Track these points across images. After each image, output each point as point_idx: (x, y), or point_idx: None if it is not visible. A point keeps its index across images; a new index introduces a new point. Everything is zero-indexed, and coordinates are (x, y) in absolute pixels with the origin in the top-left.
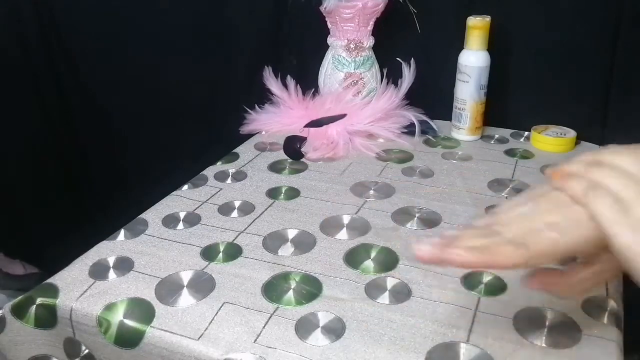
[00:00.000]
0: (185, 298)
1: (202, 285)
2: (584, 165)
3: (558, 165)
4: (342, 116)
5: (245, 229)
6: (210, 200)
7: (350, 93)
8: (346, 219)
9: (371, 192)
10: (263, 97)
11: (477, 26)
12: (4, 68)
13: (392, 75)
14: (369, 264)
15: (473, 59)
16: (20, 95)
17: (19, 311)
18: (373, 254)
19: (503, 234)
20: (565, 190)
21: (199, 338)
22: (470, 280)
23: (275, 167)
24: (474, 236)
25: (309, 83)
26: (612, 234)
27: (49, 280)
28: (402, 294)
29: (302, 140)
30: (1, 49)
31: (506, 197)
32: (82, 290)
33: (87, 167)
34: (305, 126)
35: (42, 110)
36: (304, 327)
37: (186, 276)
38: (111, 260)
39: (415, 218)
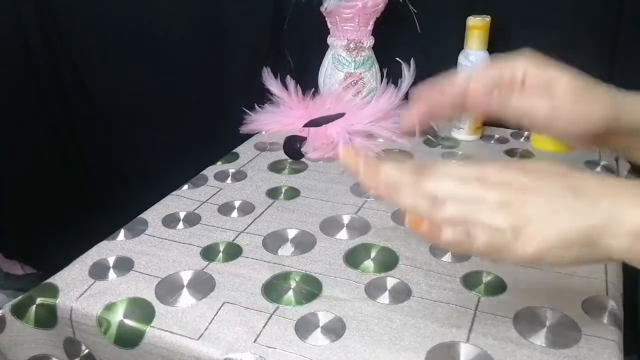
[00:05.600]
0: (185, 298)
1: (202, 285)
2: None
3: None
4: (341, 115)
5: (245, 229)
6: (210, 200)
7: (350, 93)
8: (346, 219)
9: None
10: (263, 97)
11: (477, 26)
12: (8, 69)
13: (392, 75)
14: (369, 264)
15: (473, 59)
16: (20, 96)
17: (19, 311)
18: (373, 254)
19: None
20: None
21: (199, 338)
22: (470, 280)
23: (275, 167)
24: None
25: (309, 83)
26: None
27: (49, 280)
28: (402, 294)
29: (302, 140)
30: (4, 51)
31: None
32: (82, 290)
33: (87, 167)
34: (304, 126)
35: (42, 111)
36: (304, 327)
37: (186, 276)
38: (111, 260)
39: None
